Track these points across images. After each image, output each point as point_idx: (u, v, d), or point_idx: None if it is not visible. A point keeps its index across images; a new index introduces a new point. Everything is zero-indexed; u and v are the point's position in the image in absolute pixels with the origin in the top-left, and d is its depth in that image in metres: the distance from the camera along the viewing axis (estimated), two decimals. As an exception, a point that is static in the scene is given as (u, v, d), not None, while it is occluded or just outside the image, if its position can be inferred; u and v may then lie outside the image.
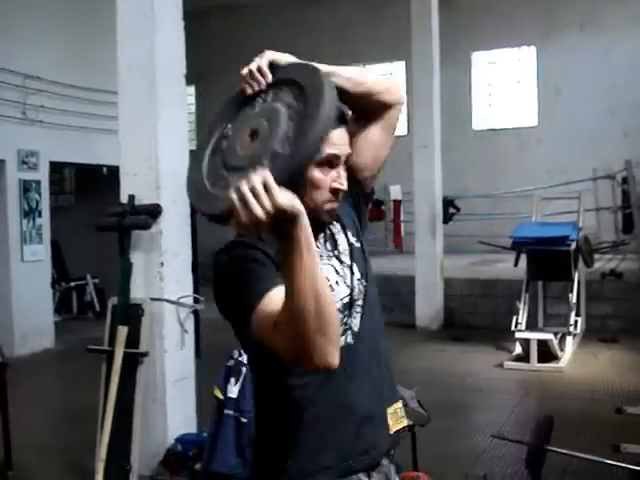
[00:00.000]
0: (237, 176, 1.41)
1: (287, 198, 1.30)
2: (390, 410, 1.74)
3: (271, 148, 1.44)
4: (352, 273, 1.72)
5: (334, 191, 1.62)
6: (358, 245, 1.76)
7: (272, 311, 1.43)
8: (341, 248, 1.73)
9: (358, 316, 1.70)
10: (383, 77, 1.71)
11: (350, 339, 1.67)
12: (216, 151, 1.55)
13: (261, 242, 1.56)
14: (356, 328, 1.69)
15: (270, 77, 1.56)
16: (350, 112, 1.71)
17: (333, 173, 1.61)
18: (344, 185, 1.63)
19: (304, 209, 1.34)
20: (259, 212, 1.27)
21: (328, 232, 1.72)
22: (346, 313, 1.68)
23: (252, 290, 1.49)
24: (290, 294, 1.36)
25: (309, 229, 1.34)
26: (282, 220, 1.30)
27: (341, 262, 1.72)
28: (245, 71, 1.58)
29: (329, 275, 1.66)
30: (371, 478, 1.68)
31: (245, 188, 1.28)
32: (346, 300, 1.68)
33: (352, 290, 1.70)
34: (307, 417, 1.62)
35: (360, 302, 1.71)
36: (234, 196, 1.29)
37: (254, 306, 1.46)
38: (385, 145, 1.82)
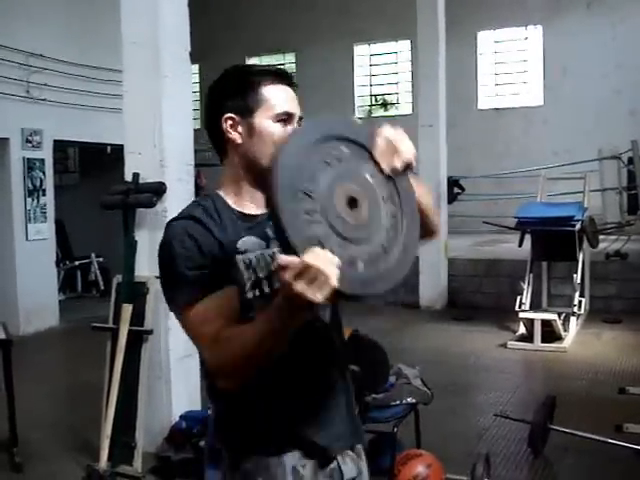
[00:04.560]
0: (354, 247, 1.37)
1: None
2: None
3: (398, 242, 1.44)
4: None
5: None
6: None
7: (212, 320, 1.48)
8: None
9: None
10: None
11: None
12: (298, 200, 1.34)
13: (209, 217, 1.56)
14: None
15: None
16: None
17: (289, 129, 1.60)
18: None
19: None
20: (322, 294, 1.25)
21: None
22: None
23: (184, 289, 1.51)
24: (260, 340, 1.39)
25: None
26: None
27: None
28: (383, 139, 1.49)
29: None
30: None
31: None
32: None
33: None
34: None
35: None
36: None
37: (188, 306, 1.51)
38: None
